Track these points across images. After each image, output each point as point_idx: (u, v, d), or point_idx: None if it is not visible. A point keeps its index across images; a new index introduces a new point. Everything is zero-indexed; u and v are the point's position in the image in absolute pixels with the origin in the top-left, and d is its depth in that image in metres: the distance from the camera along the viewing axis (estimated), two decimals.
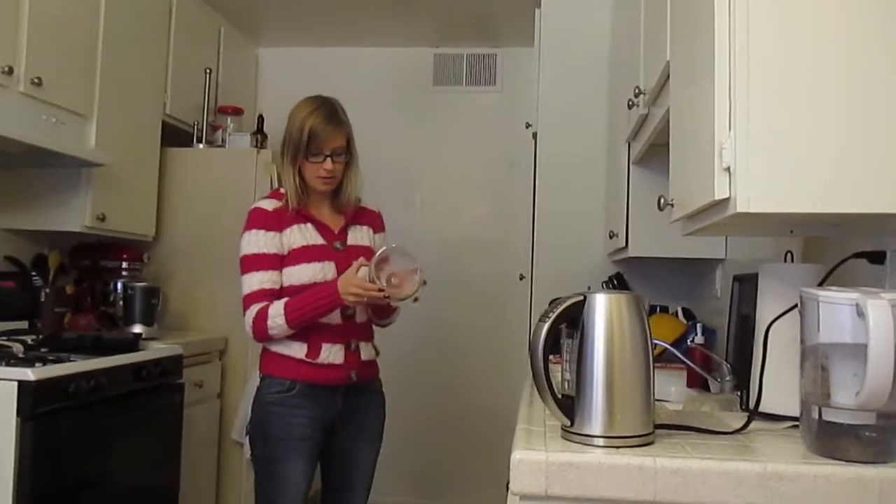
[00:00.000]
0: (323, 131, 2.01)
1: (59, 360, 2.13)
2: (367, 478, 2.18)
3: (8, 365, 2.01)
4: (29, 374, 1.95)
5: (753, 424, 1.27)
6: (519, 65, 4.06)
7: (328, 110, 2.05)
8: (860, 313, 1.03)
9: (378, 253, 1.93)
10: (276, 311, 1.96)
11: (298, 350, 2.02)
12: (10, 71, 2.32)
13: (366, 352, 2.10)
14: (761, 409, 1.32)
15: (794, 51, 1.09)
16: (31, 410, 1.94)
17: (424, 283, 1.95)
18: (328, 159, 2.03)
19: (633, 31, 2.30)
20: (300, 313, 1.96)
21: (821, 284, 1.29)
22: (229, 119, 3.57)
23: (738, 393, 1.60)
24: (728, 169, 1.10)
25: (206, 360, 3.09)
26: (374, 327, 2.17)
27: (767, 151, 1.08)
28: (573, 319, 1.18)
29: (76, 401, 2.09)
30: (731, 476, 1.04)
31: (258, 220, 2.05)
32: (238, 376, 3.21)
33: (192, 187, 3.34)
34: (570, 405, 1.17)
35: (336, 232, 2.11)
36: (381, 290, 1.89)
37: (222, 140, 3.51)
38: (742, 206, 1.08)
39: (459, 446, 4.05)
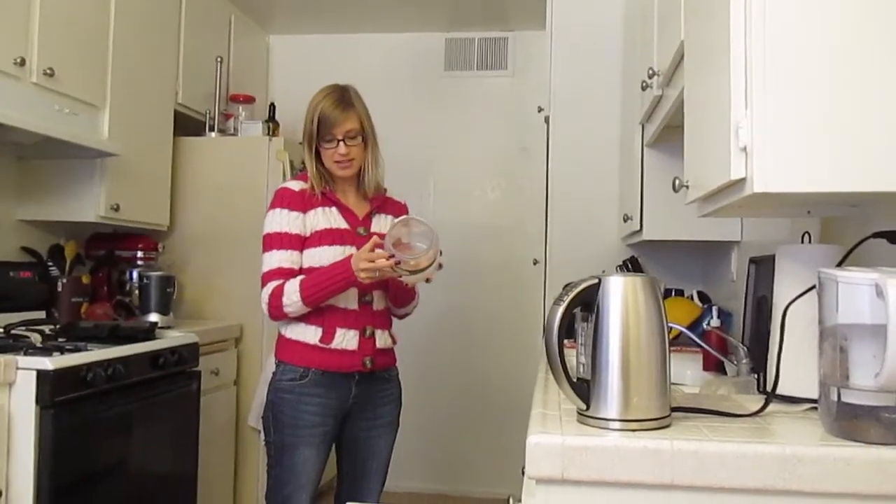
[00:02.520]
0: (331, 115, 2.02)
1: (76, 350, 2.15)
2: (383, 465, 2.18)
3: (26, 354, 2.03)
4: (47, 363, 1.97)
5: (771, 407, 1.26)
6: (530, 48, 4.04)
7: (338, 95, 2.06)
8: (879, 293, 1.02)
9: (395, 222, 1.92)
10: (292, 287, 1.97)
11: (313, 335, 2.03)
12: (23, 62, 2.32)
13: (382, 339, 2.10)
14: (779, 391, 1.31)
15: (810, 28, 1.07)
16: (49, 399, 1.96)
17: (440, 266, 1.95)
18: (341, 143, 2.03)
19: (646, 11, 2.28)
20: (314, 290, 1.96)
21: (839, 265, 1.28)
22: (241, 107, 3.58)
23: (755, 375, 1.59)
24: (744, 149, 1.09)
25: (221, 347, 3.11)
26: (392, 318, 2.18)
27: (784, 130, 1.06)
28: (588, 303, 1.17)
29: (94, 389, 2.11)
30: (749, 458, 1.03)
31: (283, 199, 2.06)
32: (254, 363, 3.22)
33: (204, 176, 3.35)
34: (585, 389, 1.16)
35: (361, 218, 2.11)
36: (391, 256, 1.87)
37: (234, 128, 3.51)
38: (759, 186, 1.07)
39: (475, 432, 4.06)
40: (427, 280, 1.99)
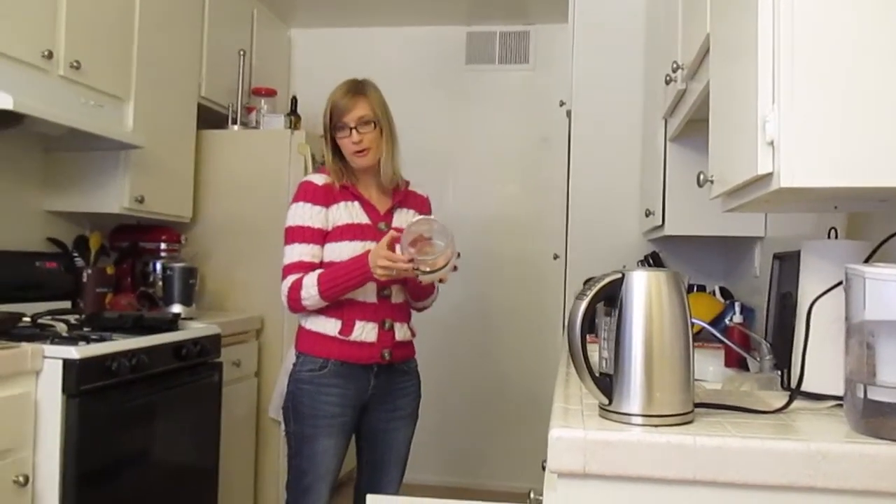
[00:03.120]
0: (341, 101, 2.04)
1: (101, 339, 2.17)
2: (402, 457, 2.20)
3: (53, 343, 2.05)
4: (73, 352, 1.99)
5: (795, 403, 1.25)
6: (552, 42, 4.02)
7: (351, 85, 2.08)
8: None
9: (412, 222, 1.93)
10: (311, 281, 1.99)
11: (332, 327, 2.04)
12: (50, 55, 2.35)
13: (401, 332, 2.11)
14: (803, 388, 1.30)
15: (839, 21, 1.06)
16: (75, 387, 1.99)
17: (455, 268, 1.96)
18: (353, 131, 2.04)
19: (669, 4, 2.26)
20: (332, 284, 1.98)
21: (867, 261, 1.26)
22: (263, 100, 3.60)
23: (779, 372, 1.58)
24: (771, 143, 1.08)
25: (243, 339, 3.13)
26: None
27: (812, 124, 1.05)
28: (611, 297, 1.17)
29: (118, 379, 2.14)
30: (773, 455, 1.02)
31: (306, 193, 2.08)
32: (275, 355, 3.25)
33: (227, 169, 3.38)
34: (607, 384, 1.16)
35: (382, 213, 2.12)
36: (410, 259, 1.89)
37: (256, 121, 3.53)
38: (786, 180, 1.06)
39: (495, 426, 4.07)
40: (441, 280, 2.01)
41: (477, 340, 4.11)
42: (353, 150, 2.05)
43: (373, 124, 2.07)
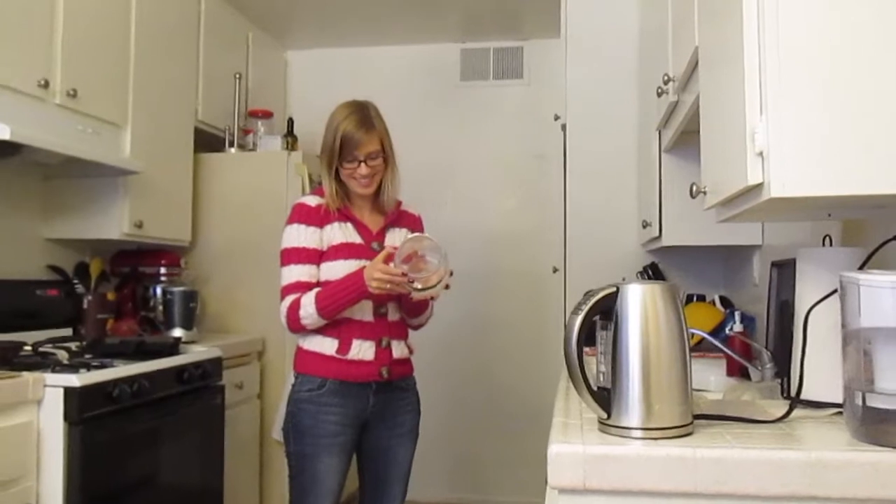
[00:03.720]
0: (355, 136, 2.03)
1: (102, 366, 2.17)
2: (404, 474, 2.19)
3: (54, 371, 2.06)
4: (74, 380, 2.00)
5: (796, 412, 1.25)
6: (546, 57, 4.05)
7: (361, 115, 2.07)
8: None
9: (407, 238, 1.95)
10: (308, 300, 2.00)
11: (330, 346, 2.05)
12: (47, 84, 2.37)
13: (398, 349, 2.12)
14: (803, 396, 1.30)
15: (824, 31, 1.07)
16: (77, 415, 1.99)
17: (447, 287, 1.98)
18: (362, 164, 2.05)
19: (660, 17, 2.27)
20: (329, 301, 1.99)
21: (861, 268, 1.26)
22: (260, 122, 3.62)
23: (780, 380, 1.58)
24: (761, 153, 1.09)
25: (245, 361, 3.13)
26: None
27: (801, 134, 1.06)
28: (607, 311, 1.17)
29: (120, 405, 2.14)
30: (774, 465, 1.02)
31: (300, 214, 2.09)
32: (277, 376, 3.25)
33: (225, 191, 3.39)
34: (606, 397, 1.16)
35: (375, 233, 2.13)
36: (404, 274, 1.91)
37: (253, 143, 3.55)
38: (776, 190, 1.07)
39: (497, 440, 4.05)
40: (433, 298, 2.04)
41: (477, 355, 4.11)
42: (357, 178, 2.07)
43: (380, 157, 2.09)
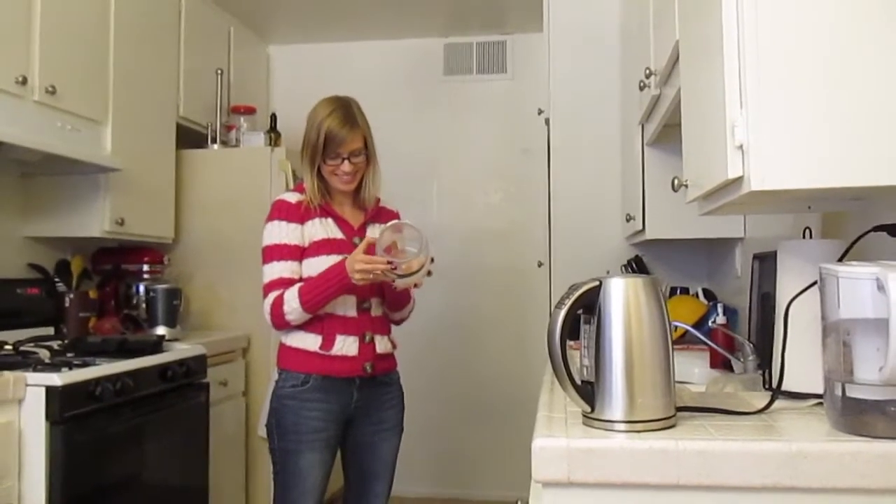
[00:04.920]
0: (338, 134, 2.03)
1: (84, 365, 2.16)
2: (389, 469, 2.19)
3: (35, 370, 2.04)
4: (56, 379, 1.98)
5: (777, 403, 1.26)
6: (529, 51, 4.05)
7: (344, 113, 2.06)
8: (881, 287, 1.02)
9: (386, 226, 1.94)
10: (291, 295, 2.00)
11: (313, 342, 2.04)
12: (25, 81, 2.34)
13: (381, 345, 2.12)
14: (784, 387, 1.31)
15: (803, 24, 1.08)
16: (59, 414, 1.97)
17: (430, 273, 1.98)
18: (346, 161, 2.05)
19: (641, 11, 2.28)
20: (312, 295, 1.98)
21: (841, 259, 1.28)
22: (242, 118, 3.60)
23: (762, 372, 1.59)
24: (741, 147, 1.09)
25: (229, 358, 3.12)
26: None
27: (780, 127, 1.07)
28: (590, 305, 1.18)
29: (103, 403, 2.12)
30: (755, 456, 1.03)
31: (281, 211, 2.08)
32: (262, 373, 3.23)
33: (208, 188, 3.37)
34: (589, 391, 1.17)
35: (356, 228, 2.13)
36: (388, 262, 1.90)
37: (236, 140, 3.53)
38: (756, 184, 1.07)
39: (482, 435, 4.06)
40: (416, 285, 2.04)
41: (462, 350, 4.11)
42: (341, 176, 2.06)
43: (363, 154, 2.08)
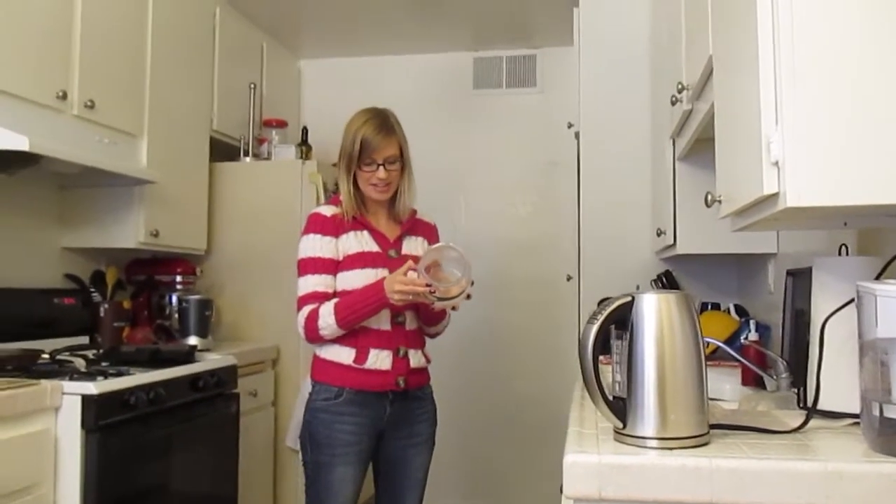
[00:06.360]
0: (374, 140, 2.05)
1: (119, 374, 2.19)
2: (420, 483, 2.19)
3: (71, 379, 2.07)
4: (91, 387, 2.01)
5: (812, 422, 1.24)
6: (559, 65, 4.05)
7: (380, 120, 2.08)
8: None
9: (433, 247, 1.95)
10: (327, 310, 2.00)
11: (347, 356, 2.05)
12: (65, 96, 2.40)
13: (415, 359, 2.12)
14: (820, 406, 1.29)
15: (839, 39, 1.07)
16: (94, 422, 2.00)
17: (469, 297, 1.97)
18: (381, 168, 2.06)
19: (673, 25, 2.27)
20: (348, 312, 1.99)
21: (878, 277, 1.26)
22: (274, 132, 3.64)
23: (795, 390, 1.57)
24: (776, 163, 1.08)
25: (259, 369, 3.14)
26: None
27: (816, 143, 1.06)
28: (622, 320, 1.17)
29: (137, 412, 2.15)
30: (790, 476, 1.02)
31: (315, 224, 2.10)
32: (291, 384, 3.25)
33: (240, 200, 3.41)
34: (621, 407, 1.16)
35: (392, 241, 2.14)
36: (427, 284, 1.90)
37: (268, 153, 3.58)
38: (792, 200, 1.06)
39: (512, 450, 4.04)
40: (454, 308, 2.04)
41: (493, 363, 4.10)
42: (375, 184, 2.08)
43: (398, 162, 2.10)
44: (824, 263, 1.38)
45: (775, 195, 1.11)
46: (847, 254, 1.44)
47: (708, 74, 1.69)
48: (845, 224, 1.42)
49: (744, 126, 1.24)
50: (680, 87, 2.00)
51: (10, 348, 2.31)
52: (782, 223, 1.42)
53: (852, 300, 1.19)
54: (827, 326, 1.29)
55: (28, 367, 2.16)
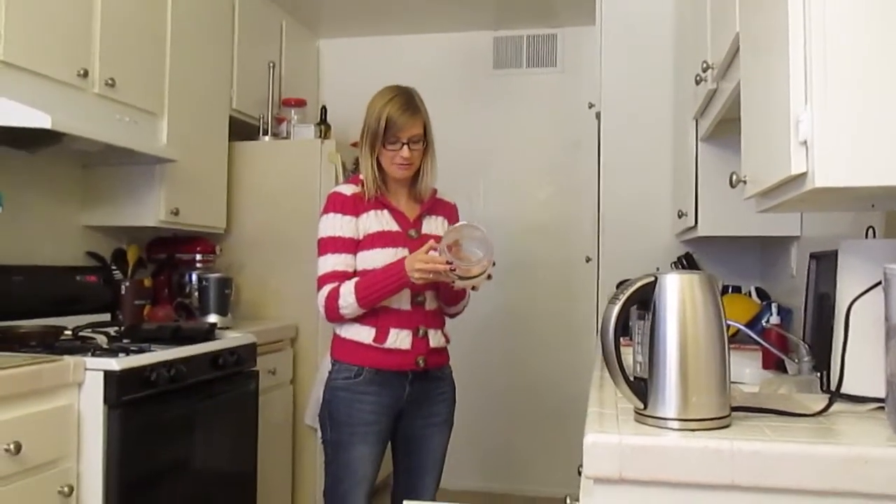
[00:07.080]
0: (399, 119, 2.04)
1: (140, 351, 2.21)
2: (438, 463, 2.20)
3: (94, 355, 2.10)
4: (113, 363, 2.03)
5: (835, 406, 1.23)
6: (580, 44, 4.01)
7: (405, 99, 2.07)
8: None
9: (455, 226, 1.94)
10: (347, 290, 2.01)
11: (367, 335, 2.05)
12: (86, 74, 2.41)
13: (435, 339, 2.12)
14: (843, 390, 1.27)
15: (871, 17, 1.04)
16: (116, 398, 2.02)
17: (490, 277, 1.96)
18: (405, 147, 2.05)
19: (698, 3, 2.24)
20: (369, 291, 1.99)
21: None
22: (293, 111, 3.64)
23: (818, 374, 1.55)
24: (805, 143, 1.06)
25: (278, 347, 3.17)
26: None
27: (846, 123, 1.04)
28: (644, 301, 1.16)
29: (158, 389, 2.17)
30: (813, 459, 1.01)
31: (336, 203, 2.10)
32: (309, 362, 3.28)
33: (259, 179, 3.42)
34: (642, 388, 1.15)
35: (412, 220, 2.13)
36: (448, 263, 1.90)
37: (287, 132, 3.57)
38: (820, 180, 1.04)
39: (531, 430, 4.05)
40: (474, 288, 2.03)
41: (511, 345, 4.10)
42: (398, 163, 2.07)
43: (422, 142, 2.09)
44: (851, 246, 1.36)
45: (803, 175, 1.09)
46: (874, 236, 1.41)
47: (734, 53, 1.67)
48: (873, 206, 1.39)
49: (772, 105, 1.22)
50: (705, 65, 1.97)
51: (34, 325, 2.34)
52: (809, 204, 1.40)
53: (879, 283, 1.17)
54: (853, 309, 1.28)
55: (51, 344, 2.19)
